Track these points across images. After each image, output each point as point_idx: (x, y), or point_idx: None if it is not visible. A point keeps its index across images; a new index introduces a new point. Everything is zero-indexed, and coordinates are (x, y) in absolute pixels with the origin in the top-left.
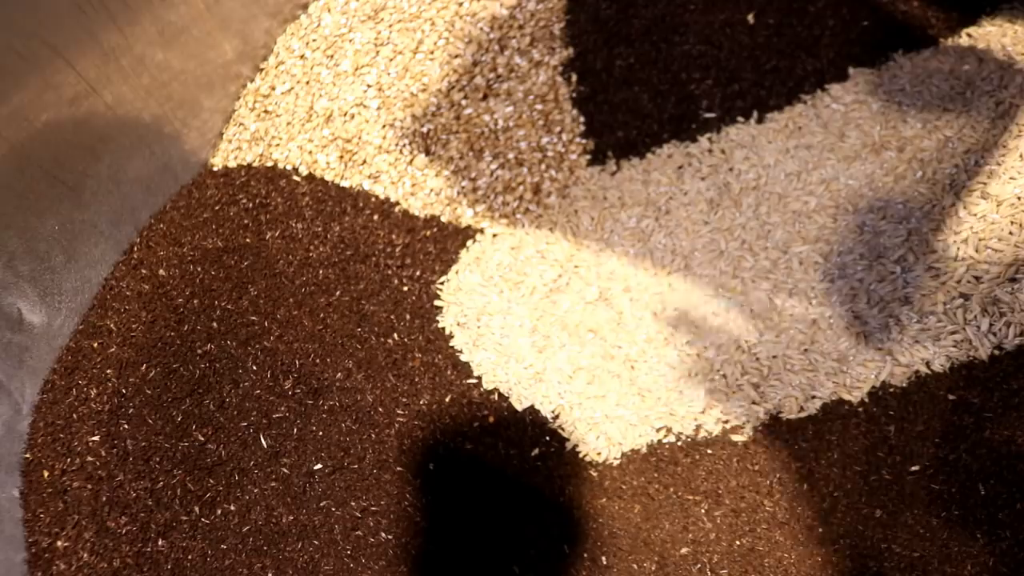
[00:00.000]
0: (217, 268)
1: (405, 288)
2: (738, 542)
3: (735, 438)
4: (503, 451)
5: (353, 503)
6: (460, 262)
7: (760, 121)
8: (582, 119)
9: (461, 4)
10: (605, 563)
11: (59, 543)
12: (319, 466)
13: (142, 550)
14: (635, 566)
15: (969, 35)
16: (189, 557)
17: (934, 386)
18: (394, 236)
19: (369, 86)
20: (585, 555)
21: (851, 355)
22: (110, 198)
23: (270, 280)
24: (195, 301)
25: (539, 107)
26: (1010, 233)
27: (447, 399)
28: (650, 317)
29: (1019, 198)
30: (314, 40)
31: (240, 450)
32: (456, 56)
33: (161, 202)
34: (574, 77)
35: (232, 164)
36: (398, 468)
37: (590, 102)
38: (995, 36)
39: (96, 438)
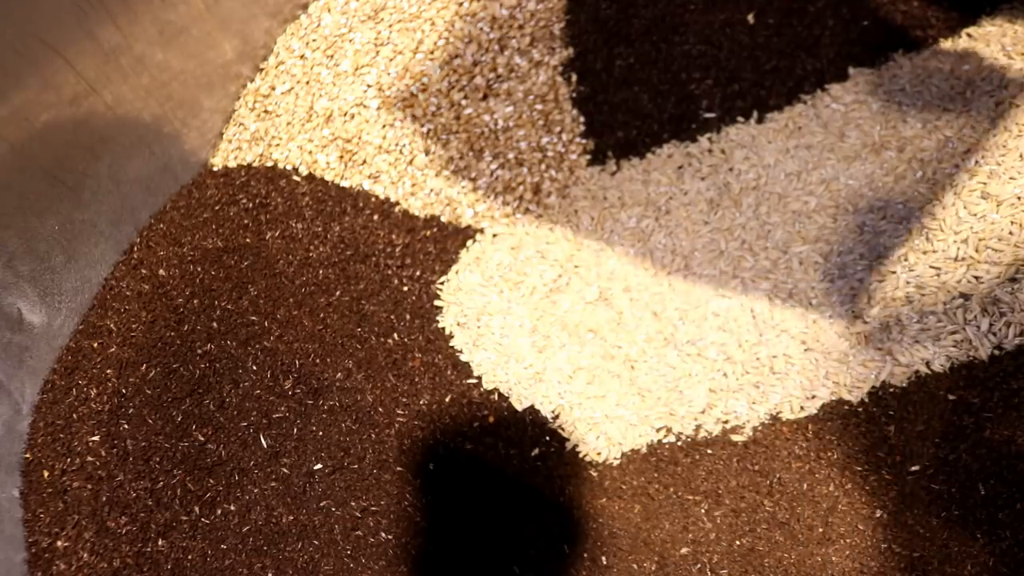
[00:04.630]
0: (217, 268)
1: (405, 288)
2: (738, 542)
3: (735, 438)
4: (503, 451)
5: (353, 503)
6: (460, 262)
7: (760, 121)
8: (582, 119)
9: (461, 4)
10: (605, 563)
11: (59, 543)
12: (319, 466)
13: (142, 550)
14: (635, 566)
15: (969, 35)
16: (189, 557)
17: (934, 386)
18: (394, 236)
19: (369, 86)
20: (585, 555)
21: (851, 355)
22: (110, 198)
23: (270, 280)
24: (195, 301)
25: (539, 107)
26: (1010, 233)
27: (447, 399)
28: (650, 317)
29: (1019, 198)
30: (314, 40)
31: (240, 450)
32: (456, 56)
33: (161, 202)
34: (574, 77)
35: (232, 164)
36: (398, 468)
37: (590, 102)
38: (995, 36)
39: (96, 438)
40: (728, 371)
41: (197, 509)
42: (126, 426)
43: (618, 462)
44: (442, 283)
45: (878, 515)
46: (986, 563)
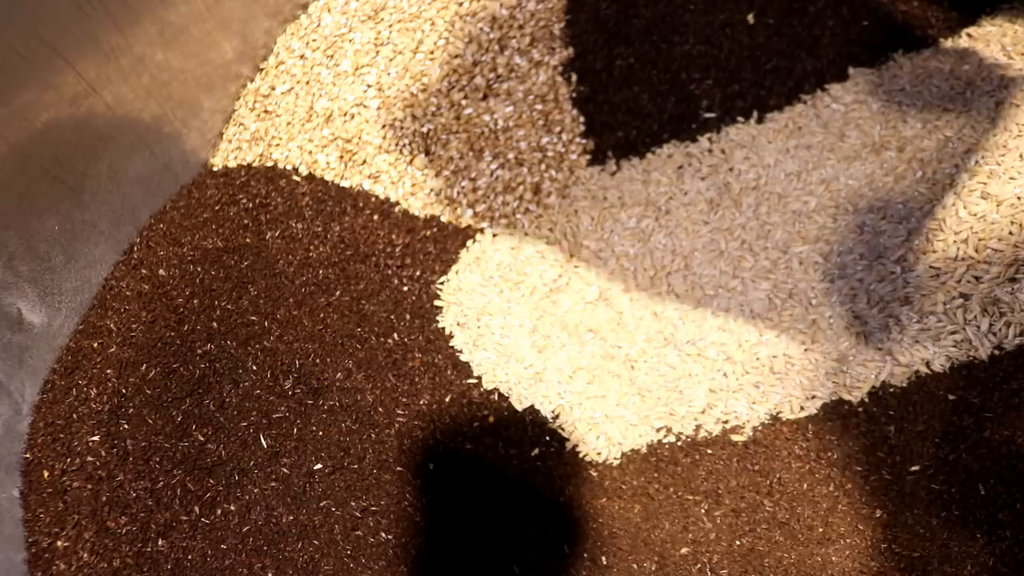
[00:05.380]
0: (217, 268)
1: (405, 288)
2: (738, 542)
3: (735, 438)
4: (503, 451)
5: (353, 503)
6: (460, 262)
7: (760, 121)
8: (582, 119)
9: (461, 4)
10: (605, 563)
11: (59, 543)
12: (319, 466)
13: (142, 550)
14: (635, 566)
15: (969, 35)
16: (189, 557)
17: (934, 386)
18: (394, 236)
19: (369, 86)
20: (585, 555)
21: (851, 355)
22: (110, 198)
23: (270, 280)
24: (195, 301)
25: (539, 107)
26: (1010, 233)
27: (447, 399)
28: (650, 317)
29: (1019, 198)
30: (314, 40)
31: (240, 450)
32: (456, 56)
33: (161, 202)
34: (574, 77)
35: (232, 164)
36: (398, 468)
37: (590, 102)
38: (995, 36)
39: (96, 438)
40: (728, 371)
41: (197, 509)
42: (126, 426)
43: (618, 462)
44: (442, 283)
45: (878, 515)
46: (986, 563)
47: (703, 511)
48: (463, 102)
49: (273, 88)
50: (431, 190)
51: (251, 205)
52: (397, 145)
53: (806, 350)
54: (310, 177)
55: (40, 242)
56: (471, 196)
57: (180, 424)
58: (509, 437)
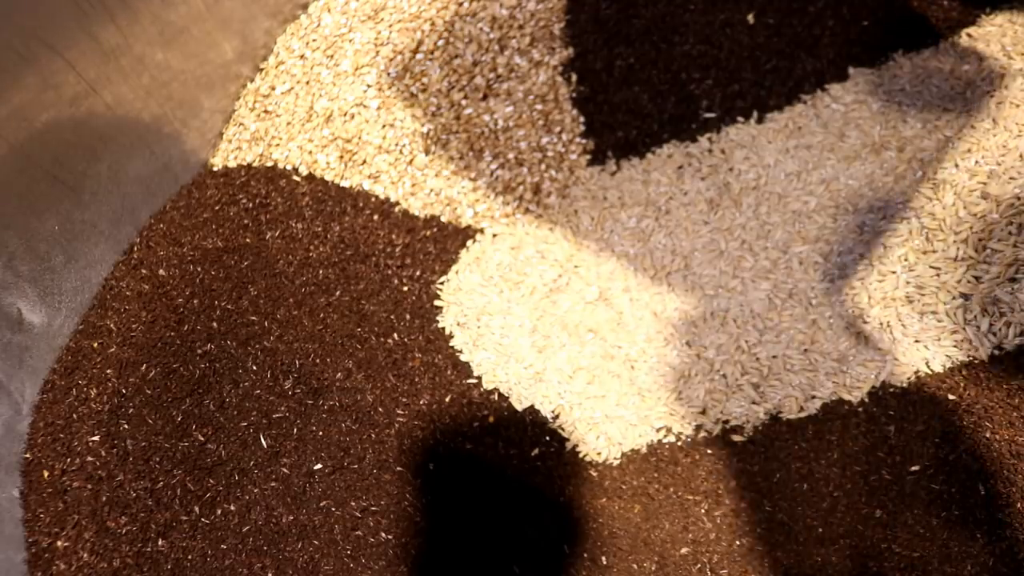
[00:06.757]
0: (217, 268)
1: (405, 288)
2: (738, 542)
3: (735, 438)
4: (503, 451)
5: (353, 503)
6: (460, 262)
7: (760, 121)
8: (582, 119)
9: (461, 4)
10: (605, 563)
11: (59, 543)
12: (319, 466)
13: (142, 550)
14: (635, 566)
15: (969, 35)
16: (189, 557)
17: (934, 386)
18: (394, 236)
19: (369, 86)
20: (585, 555)
21: (851, 355)
22: (110, 198)
23: (270, 280)
24: (195, 301)
25: (539, 107)
26: (1010, 233)
27: (447, 399)
28: (650, 317)
29: (1019, 198)
30: (314, 40)
31: (240, 450)
32: (456, 56)
33: (161, 202)
34: (574, 77)
35: (232, 164)
36: (398, 468)
37: (590, 102)
38: (995, 36)
39: (96, 438)
40: (728, 371)
41: (197, 509)
42: (126, 426)
43: (618, 462)
44: (442, 283)
45: (878, 515)
46: (986, 563)
47: (703, 511)
48: (463, 102)
49: (273, 88)
50: (431, 190)
51: (251, 205)
52: (397, 145)
53: (806, 350)
54: (310, 177)
55: (40, 242)
56: (471, 196)
57: (180, 424)
58: (509, 437)
